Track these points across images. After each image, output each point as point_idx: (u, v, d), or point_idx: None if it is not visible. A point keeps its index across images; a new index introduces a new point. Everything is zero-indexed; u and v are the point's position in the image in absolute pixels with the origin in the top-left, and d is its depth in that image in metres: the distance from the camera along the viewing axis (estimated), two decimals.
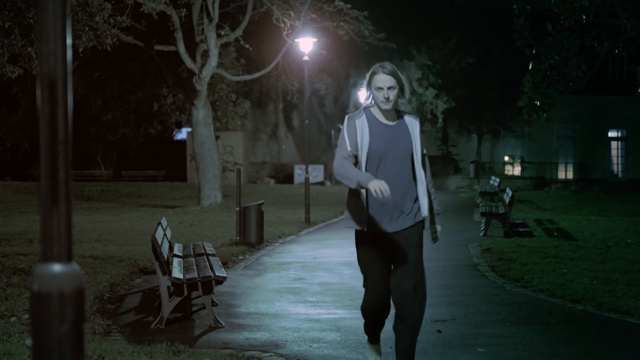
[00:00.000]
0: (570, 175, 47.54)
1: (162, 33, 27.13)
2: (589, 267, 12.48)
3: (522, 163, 48.43)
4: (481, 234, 18.10)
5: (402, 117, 6.15)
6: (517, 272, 12.14)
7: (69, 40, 2.05)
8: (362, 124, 5.97)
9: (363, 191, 5.91)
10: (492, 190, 29.71)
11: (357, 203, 6.01)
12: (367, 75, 6.05)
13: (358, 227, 5.99)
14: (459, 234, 18.09)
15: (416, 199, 6.12)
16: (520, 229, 19.11)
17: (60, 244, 2.08)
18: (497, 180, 31.96)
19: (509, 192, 19.60)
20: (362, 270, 6.19)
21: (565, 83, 14.34)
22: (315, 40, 23.67)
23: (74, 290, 2.14)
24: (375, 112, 6.09)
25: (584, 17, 13.81)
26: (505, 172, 48.27)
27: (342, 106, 45.76)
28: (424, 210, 6.11)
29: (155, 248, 8.43)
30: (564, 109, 40.85)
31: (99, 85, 34.65)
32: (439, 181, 45.05)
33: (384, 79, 5.92)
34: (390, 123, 6.07)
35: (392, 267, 6.13)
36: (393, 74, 5.94)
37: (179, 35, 25.36)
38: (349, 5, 28.15)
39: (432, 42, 43.83)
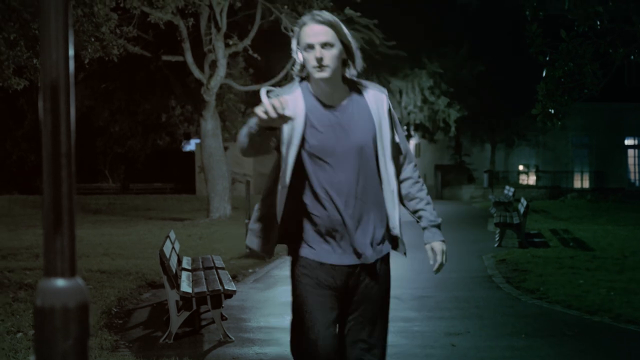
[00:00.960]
0: (586, 184, 47.39)
1: (169, 43, 27.21)
2: (605, 277, 12.42)
3: (536, 172, 48.31)
4: (495, 245, 18.05)
5: (360, 92, 4.13)
6: (532, 283, 12.10)
7: (71, 51, 2.05)
8: (291, 105, 3.90)
9: (283, 188, 4.01)
10: (507, 200, 29.64)
11: (270, 208, 4.09)
12: (296, 30, 4.06)
13: (260, 250, 4.16)
14: (472, 245, 18.04)
15: (384, 219, 4.14)
16: (536, 240, 19.04)
17: (63, 259, 2.08)
18: (512, 189, 31.89)
19: (523, 201, 19.54)
20: (295, 314, 4.11)
21: (580, 90, 14.30)
22: None
23: (78, 305, 2.14)
24: (314, 87, 4.05)
25: (598, 23, 13.78)
26: (520, 181, 48.15)
27: None
28: (395, 229, 4.16)
29: (163, 261, 8.43)
30: (578, 117, 40.79)
31: (105, 97, 34.75)
32: (452, 191, 44.92)
33: (316, 31, 3.93)
34: (336, 103, 4.04)
35: (341, 325, 4.15)
36: (331, 24, 3.98)
37: (186, 46, 25.43)
38: (358, 14, 28.19)
39: (443, 50, 43.84)
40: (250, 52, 26.34)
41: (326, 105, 4.03)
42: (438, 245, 4.18)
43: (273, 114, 3.47)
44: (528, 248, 16.94)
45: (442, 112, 43.99)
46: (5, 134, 44.88)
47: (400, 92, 42.55)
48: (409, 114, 43.19)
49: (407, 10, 42.25)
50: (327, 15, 4.03)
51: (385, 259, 4.15)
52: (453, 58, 44.23)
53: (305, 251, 4.03)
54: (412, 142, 52.70)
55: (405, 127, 46.36)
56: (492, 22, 44.15)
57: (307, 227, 4.02)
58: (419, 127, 46.25)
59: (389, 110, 4.13)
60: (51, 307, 2.10)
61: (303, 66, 4.08)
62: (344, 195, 3.96)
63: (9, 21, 13.53)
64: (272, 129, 3.67)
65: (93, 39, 15.18)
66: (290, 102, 3.86)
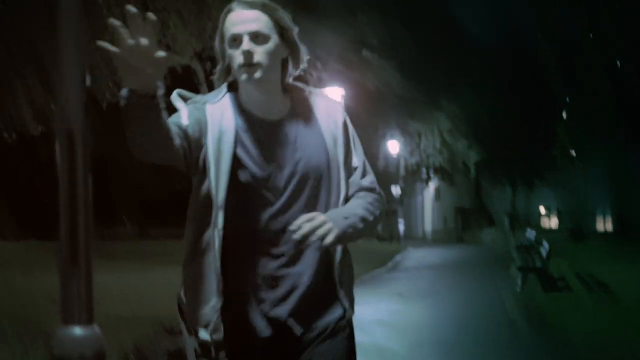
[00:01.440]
0: (609, 226, 47.09)
1: (187, 87, 27.35)
2: (632, 322, 12.27)
3: (558, 214, 48.10)
4: (518, 290, 17.89)
5: (307, 102, 3.12)
6: (556, 329, 11.96)
7: (86, 94, 2.05)
8: (217, 119, 2.94)
9: (218, 235, 2.88)
10: (529, 243, 29.46)
11: (202, 268, 3.00)
12: (220, 21, 3.01)
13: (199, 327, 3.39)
14: (494, 289, 17.88)
15: (332, 269, 3.02)
16: (559, 284, 18.87)
17: (80, 307, 2.06)
18: (534, 232, 31.72)
19: (546, 245, 19.39)
20: None
21: (602, 130, 14.27)
22: (344, 92, 23.80)
23: (95, 354, 2.11)
24: (244, 96, 3.03)
25: (618, 62, 13.79)
26: (541, 223, 47.94)
27: (371, 158, 45.74)
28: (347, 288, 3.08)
29: (181, 307, 8.37)
30: (601, 158, 40.62)
31: (124, 141, 34.90)
32: (473, 235, 44.76)
33: (244, 18, 2.92)
34: (275, 117, 3.02)
35: None
36: (265, 8, 2.96)
37: (204, 89, 25.59)
38: (376, 55, 28.35)
39: (462, 91, 43.94)
40: None
41: (262, 120, 2.97)
42: (322, 218, 2.78)
43: (130, 44, 2.37)
44: (552, 293, 16.78)
45: (461, 155, 43.99)
46: (22, 179, 45.17)
47: (419, 135, 42.59)
48: (428, 157, 43.19)
49: (425, 50, 42.46)
50: None
51: (338, 329, 3.04)
52: (472, 99, 44.33)
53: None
54: (432, 186, 52.63)
55: (425, 171, 46.34)
56: (511, 60, 44.29)
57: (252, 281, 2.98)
58: (438, 171, 46.23)
59: (345, 124, 3.10)
60: (69, 357, 2.07)
61: (228, 70, 3.03)
62: (287, 243, 2.92)
63: (28, 65, 13.69)
64: (151, 96, 2.58)
65: (111, 84, 15.32)
66: (216, 112, 2.93)
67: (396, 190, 45.20)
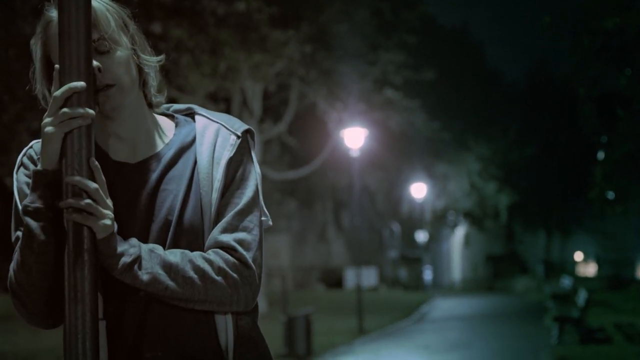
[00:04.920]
0: None
1: None
2: None
3: (596, 261, 47.80)
4: (553, 341, 17.75)
5: (187, 134, 2.37)
6: None
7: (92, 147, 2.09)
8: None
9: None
10: (565, 292, 29.27)
11: None
12: (38, 30, 2.24)
13: None
14: (528, 341, 17.75)
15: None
16: (598, 335, 18.69)
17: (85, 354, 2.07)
18: (571, 280, 31.53)
19: (583, 293, 19.26)
20: None
21: None
22: (367, 131, 23.89)
23: None
24: (96, 131, 2.17)
25: None
26: (578, 271, 47.66)
27: (394, 202, 45.78)
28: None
29: None
30: None
31: None
32: (505, 283, 44.52)
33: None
34: (140, 156, 2.31)
35: None
36: (104, 9, 2.21)
37: None
38: (399, 95, 28.45)
39: (491, 130, 43.98)
40: (286, 137, 26.60)
41: (119, 163, 2.30)
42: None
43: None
44: (590, 345, 16.63)
45: (491, 198, 43.89)
46: None
47: (446, 178, 42.62)
48: (455, 200, 43.16)
49: (451, 90, 42.61)
50: None
51: None
52: (502, 139, 44.33)
53: None
54: (460, 231, 52.49)
55: (452, 215, 46.21)
56: (542, 100, 44.33)
57: None
58: (467, 215, 46.13)
59: (232, 161, 2.29)
60: None
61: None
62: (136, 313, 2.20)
63: (32, 110, 13.85)
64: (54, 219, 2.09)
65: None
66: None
67: (421, 236, 45.11)
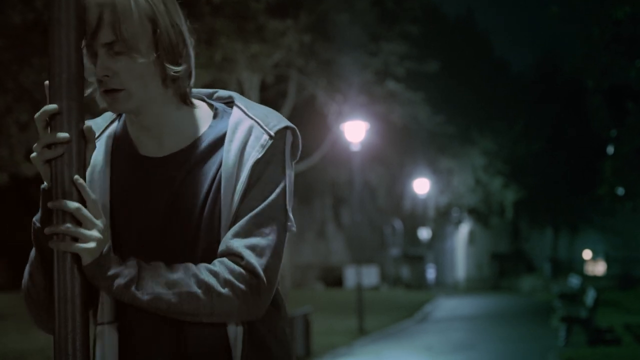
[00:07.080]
0: None
1: None
2: None
3: (605, 259, 47.83)
4: (561, 343, 17.77)
5: (221, 127, 2.28)
6: None
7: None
8: (96, 153, 2.28)
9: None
10: (573, 291, 29.29)
11: None
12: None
13: None
14: (534, 343, 17.76)
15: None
16: (607, 336, 18.71)
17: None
18: (579, 279, 31.55)
19: (591, 292, 19.28)
20: None
21: None
22: (368, 125, 23.86)
23: None
24: (128, 122, 2.32)
25: None
26: (586, 269, 47.69)
27: (396, 198, 45.78)
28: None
29: None
30: None
31: None
32: (510, 282, 44.54)
33: (92, 18, 2.11)
34: (168, 150, 2.27)
35: None
36: (117, 6, 2.09)
37: None
38: (401, 87, 28.42)
39: (497, 124, 43.95)
40: None
41: (145, 157, 2.29)
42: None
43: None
44: (598, 346, 16.65)
45: (497, 194, 43.89)
46: (15, 224, 45.45)
47: (450, 173, 42.61)
48: (460, 196, 43.15)
49: (456, 81, 42.56)
50: None
51: None
52: (508, 133, 44.31)
53: None
54: (464, 229, 52.51)
55: (456, 211, 46.22)
56: (550, 92, 44.30)
57: None
58: (472, 212, 46.14)
59: (258, 163, 2.22)
60: None
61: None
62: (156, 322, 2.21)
63: (21, 102, 13.83)
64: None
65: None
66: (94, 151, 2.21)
67: (424, 234, 45.12)
